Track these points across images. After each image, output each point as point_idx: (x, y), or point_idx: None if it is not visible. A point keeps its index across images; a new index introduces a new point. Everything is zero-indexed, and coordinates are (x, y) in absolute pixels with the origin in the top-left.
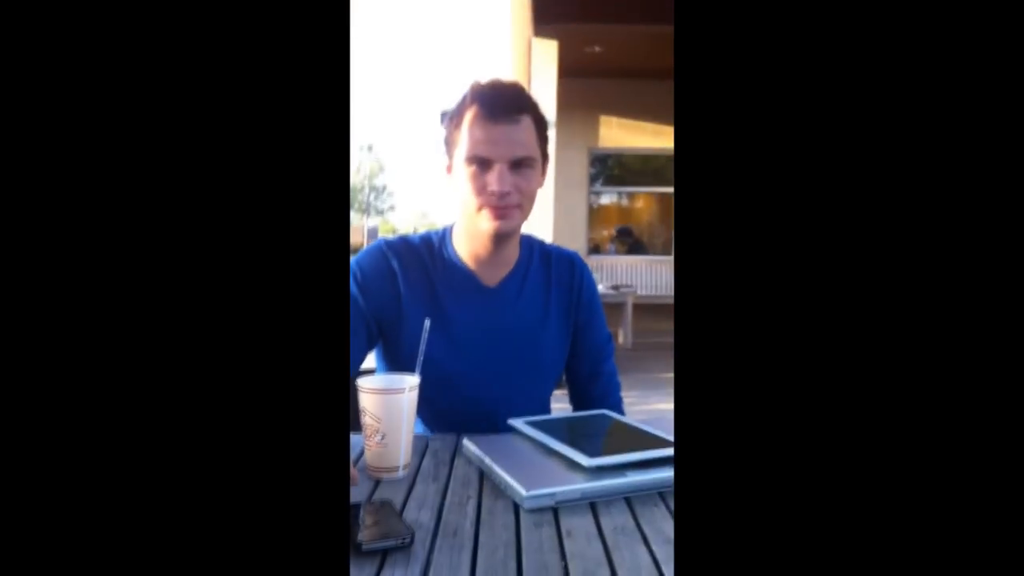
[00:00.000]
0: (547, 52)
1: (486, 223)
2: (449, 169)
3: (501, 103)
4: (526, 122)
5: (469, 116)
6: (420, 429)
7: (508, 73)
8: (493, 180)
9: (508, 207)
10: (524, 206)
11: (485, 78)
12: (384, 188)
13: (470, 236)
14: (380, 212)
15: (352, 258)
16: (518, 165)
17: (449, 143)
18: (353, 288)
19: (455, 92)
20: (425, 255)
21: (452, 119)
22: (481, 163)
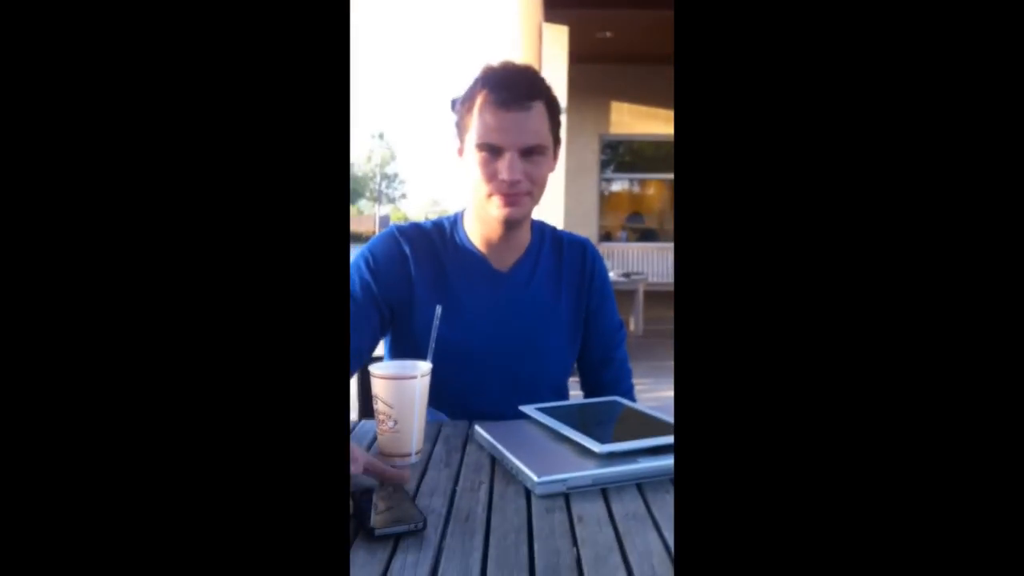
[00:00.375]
0: (558, 38)
1: (496, 210)
2: (460, 152)
3: (513, 89)
4: (538, 108)
5: (480, 101)
6: (432, 415)
7: (519, 59)
8: (503, 168)
9: (518, 195)
10: (534, 193)
11: (497, 61)
12: (396, 176)
13: (481, 221)
14: (392, 200)
15: (364, 245)
16: (529, 152)
17: (460, 127)
18: (366, 274)
19: (466, 79)
20: (437, 240)
21: (464, 103)
22: (491, 150)
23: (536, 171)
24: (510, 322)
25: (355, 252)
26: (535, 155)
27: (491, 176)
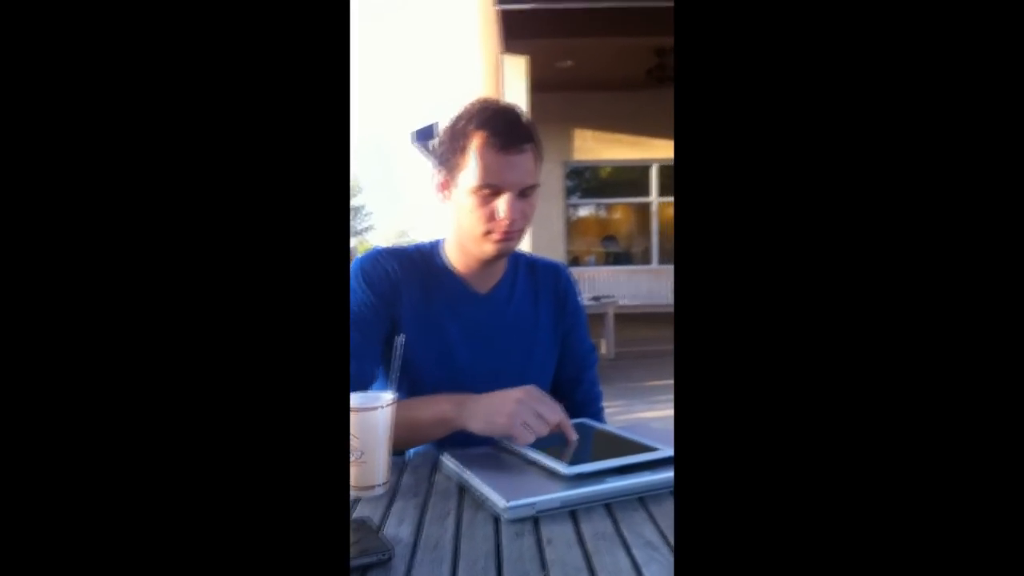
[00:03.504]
0: (517, 68)
1: (491, 246)
2: (444, 187)
3: (512, 133)
4: (530, 149)
5: (478, 143)
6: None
7: (479, 90)
8: (503, 208)
9: (514, 231)
10: (525, 229)
11: (485, 101)
12: (362, 208)
13: (466, 253)
14: (357, 232)
15: (352, 266)
16: (523, 192)
17: (450, 165)
18: (367, 293)
19: (427, 111)
20: (420, 262)
21: (455, 140)
22: (492, 190)
23: (529, 208)
24: (492, 343)
25: None
26: (528, 193)
27: (490, 216)
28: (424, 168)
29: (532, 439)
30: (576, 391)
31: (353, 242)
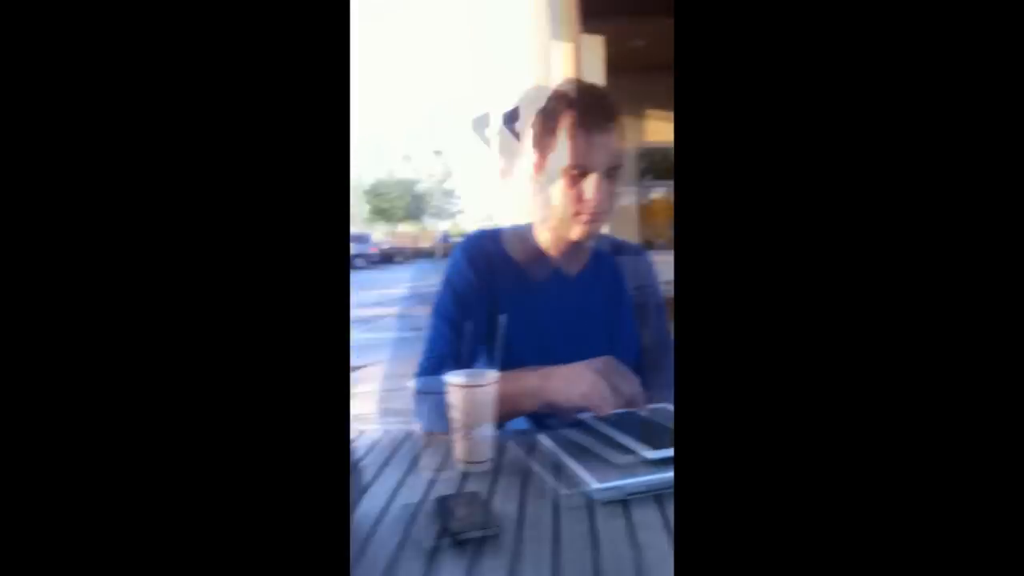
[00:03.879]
0: (594, 48)
1: (580, 227)
2: (538, 168)
3: (600, 112)
4: (617, 130)
5: (567, 123)
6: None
7: (560, 72)
8: (591, 189)
9: (602, 212)
10: (611, 210)
11: (573, 82)
12: (452, 192)
13: (556, 235)
14: (451, 215)
15: (455, 248)
16: (609, 172)
17: (541, 146)
18: (472, 275)
19: (507, 95)
20: (516, 244)
21: (546, 120)
22: (580, 171)
23: (615, 189)
24: (580, 324)
25: (422, 267)
26: (613, 174)
27: (578, 197)
28: (482, 156)
29: (609, 410)
30: (656, 377)
31: (446, 225)
